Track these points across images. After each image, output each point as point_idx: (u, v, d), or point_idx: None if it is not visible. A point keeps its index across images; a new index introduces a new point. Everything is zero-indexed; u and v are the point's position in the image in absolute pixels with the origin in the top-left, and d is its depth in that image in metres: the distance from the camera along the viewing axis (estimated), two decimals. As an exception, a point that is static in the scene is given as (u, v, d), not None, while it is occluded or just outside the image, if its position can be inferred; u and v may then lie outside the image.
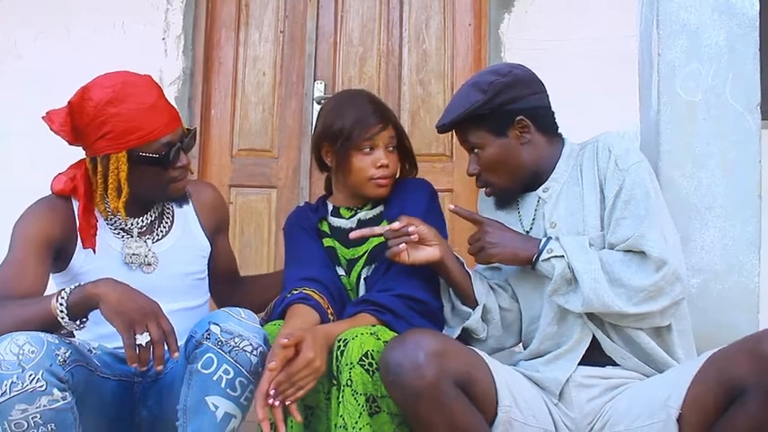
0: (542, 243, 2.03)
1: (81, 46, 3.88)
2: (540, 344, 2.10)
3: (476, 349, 2.02)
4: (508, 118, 2.12)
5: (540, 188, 2.16)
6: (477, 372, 1.91)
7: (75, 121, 2.11)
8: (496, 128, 2.12)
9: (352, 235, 2.18)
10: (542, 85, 2.19)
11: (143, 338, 1.84)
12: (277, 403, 1.88)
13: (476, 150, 2.15)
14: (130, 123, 2.07)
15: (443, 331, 2.16)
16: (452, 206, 2.12)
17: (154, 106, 2.10)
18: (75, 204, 2.16)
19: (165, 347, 1.88)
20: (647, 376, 2.01)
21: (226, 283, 2.49)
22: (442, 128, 2.19)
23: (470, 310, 2.16)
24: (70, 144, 2.17)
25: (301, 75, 3.94)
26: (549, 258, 2.00)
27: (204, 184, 2.51)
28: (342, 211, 2.36)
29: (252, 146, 3.97)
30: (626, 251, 1.97)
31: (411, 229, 2.09)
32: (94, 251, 2.13)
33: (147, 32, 3.90)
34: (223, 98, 3.99)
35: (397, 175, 2.36)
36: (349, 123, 2.24)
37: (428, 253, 2.11)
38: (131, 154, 2.09)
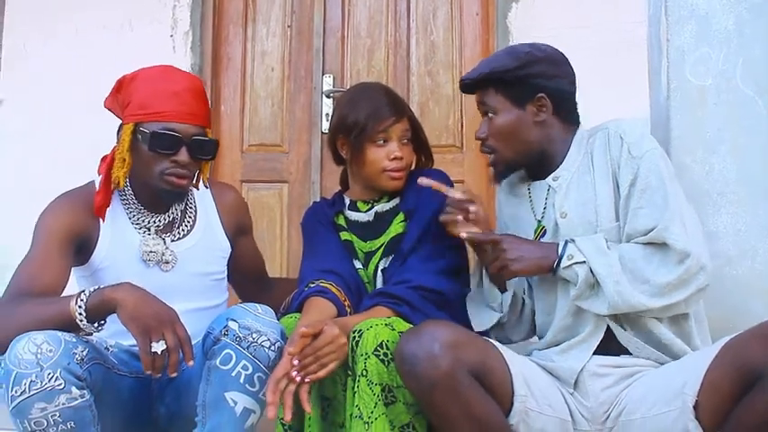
0: (561, 248, 2.01)
1: (89, 45, 3.85)
2: (555, 335, 2.09)
3: (490, 340, 2.02)
4: (530, 91, 2.11)
5: (551, 176, 2.14)
6: (491, 361, 1.91)
7: (117, 92, 2.20)
8: (516, 97, 2.11)
9: (421, 182, 2.16)
10: (573, 73, 2.17)
11: (159, 346, 1.85)
12: (298, 379, 1.89)
13: (489, 114, 2.14)
14: (146, 99, 2.12)
15: (473, 317, 2.17)
16: (465, 233, 2.08)
17: (176, 93, 2.13)
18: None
19: (181, 354, 1.89)
20: (662, 364, 2.00)
21: (254, 285, 2.50)
22: (467, 82, 2.18)
23: (498, 293, 2.18)
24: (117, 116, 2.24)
25: (310, 69, 3.92)
26: (570, 265, 1.98)
27: (226, 186, 2.52)
28: (359, 204, 2.38)
29: (262, 141, 3.95)
30: (646, 244, 1.95)
31: (472, 208, 2.10)
32: (103, 219, 2.15)
33: (154, 30, 3.87)
34: (232, 94, 3.98)
35: (413, 167, 2.36)
36: (363, 116, 2.26)
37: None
38: (136, 127, 2.13)
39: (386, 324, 1.97)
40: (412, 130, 2.33)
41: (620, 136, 2.03)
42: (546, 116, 2.13)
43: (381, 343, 1.93)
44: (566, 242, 2.01)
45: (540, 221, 2.15)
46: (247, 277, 2.48)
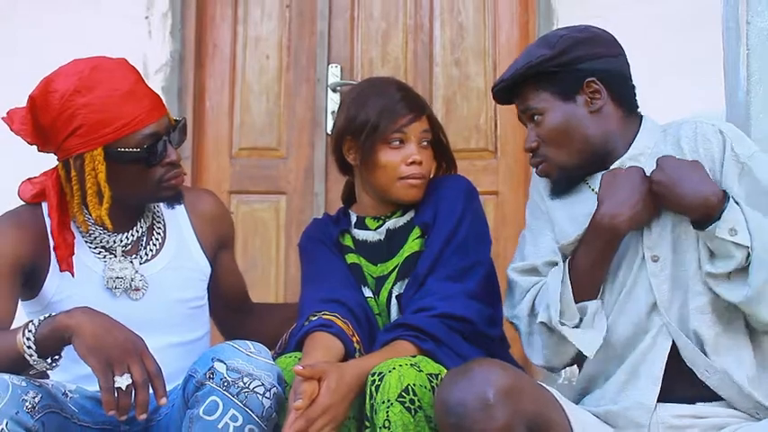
0: (726, 202, 1.90)
1: (40, 25, 3.85)
2: (615, 350, 2.01)
3: (545, 385, 1.97)
4: (577, 78, 2.10)
5: (621, 159, 2.09)
6: (551, 413, 1.88)
7: (39, 118, 2.11)
8: (562, 89, 2.10)
9: None
10: (623, 50, 2.16)
11: (123, 380, 1.85)
12: None
13: (535, 118, 2.13)
14: (103, 114, 2.08)
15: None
16: None
17: (131, 92, 2.11)
18: (48, 217, 2.16)
19: (151, 392, 1.88)
20: (753, 417, 1.92)
21: (235, 311, 2.50)
22: (500, 89, 2.19)
23: (576, 312, 2.04)
24: (38, 148, 2.18)
25: (312, 57, 3.94)
26: (729, 241, 1.87)
27: (202, 191, 2.53)
28: (367, 221, 2.40)
29: (255, 144, 3.98)
30: None
31: None
32: (72, 274, 2.13)
33: (126, 10, 3.89)
34: (220, 87, 4.00)
35: (431, 176, 2.40)
36: (375, 113, 2.30)
37: None
38: (109, 151, 2.09)
39: (411, 364, 1.97)
40: (432, 131, 2.37)
41: (720, 131, 2.00)
42: (601, 103, 2.10)
43: (407, 387, 1.92)
44: (728, 197, 1.91)
45: None
46: (229, 303, 2.48)
